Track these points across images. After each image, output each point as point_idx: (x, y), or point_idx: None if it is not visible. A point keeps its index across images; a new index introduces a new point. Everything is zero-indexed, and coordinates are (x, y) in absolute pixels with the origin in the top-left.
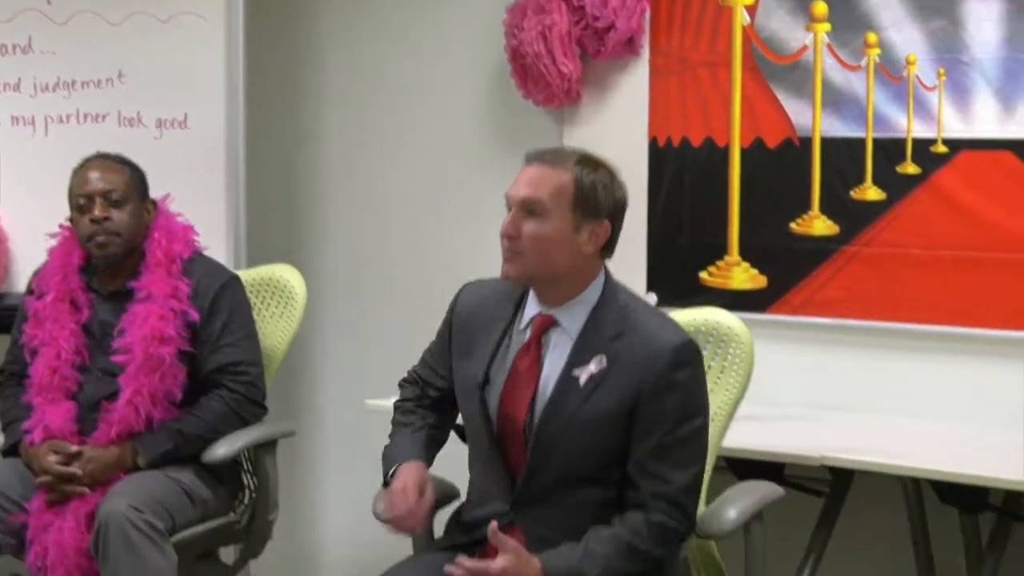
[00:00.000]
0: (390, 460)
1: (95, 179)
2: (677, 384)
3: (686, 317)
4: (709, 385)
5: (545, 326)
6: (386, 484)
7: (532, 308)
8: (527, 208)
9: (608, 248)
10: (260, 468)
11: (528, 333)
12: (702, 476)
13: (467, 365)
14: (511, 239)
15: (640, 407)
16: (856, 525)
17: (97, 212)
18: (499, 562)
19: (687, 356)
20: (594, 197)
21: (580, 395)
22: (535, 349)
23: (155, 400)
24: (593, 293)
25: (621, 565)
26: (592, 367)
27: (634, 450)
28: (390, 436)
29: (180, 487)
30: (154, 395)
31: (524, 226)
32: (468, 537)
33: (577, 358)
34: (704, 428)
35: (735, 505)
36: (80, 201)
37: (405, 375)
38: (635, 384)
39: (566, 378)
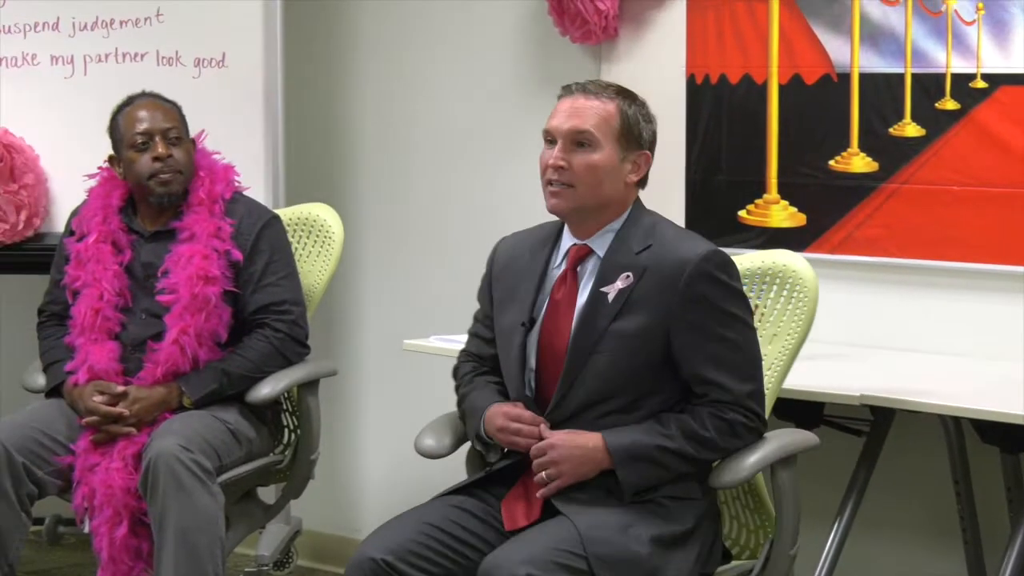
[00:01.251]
0: (474, 413)
1: (153, 117)
2: (706, 293)
3: (753, 259)
4: (771, 329)
5: (580, 255)
6: (479, 437)
7: (567, 243)
8: (576, 139)
9: (644, 179)
10: (303, 407)
11: (564, 266)
12: (763, 387)
13: (509, 310)
14: (560, 171)
15: (675, 320)
16: (896, 464)
17: (161, 150)
18: (555, 437)
19: (713, 264)
20: (637, 127)
21: (609, 311)
22: (571, 279)
23: (201, 340)
24: (621, 220)
25: (683, 445)
26: (619, 283)
27: (687, 364)
28: (459, 403)
29: (226, 427)
30: (200, 335)
31: (574, 158)
32: (493, 468)
33: (605, 276)
34: (751, 338)
35: (754, 453)
36: (138, 139)
37: (456, 363)
38: (665, 296)
39: (595, 296)
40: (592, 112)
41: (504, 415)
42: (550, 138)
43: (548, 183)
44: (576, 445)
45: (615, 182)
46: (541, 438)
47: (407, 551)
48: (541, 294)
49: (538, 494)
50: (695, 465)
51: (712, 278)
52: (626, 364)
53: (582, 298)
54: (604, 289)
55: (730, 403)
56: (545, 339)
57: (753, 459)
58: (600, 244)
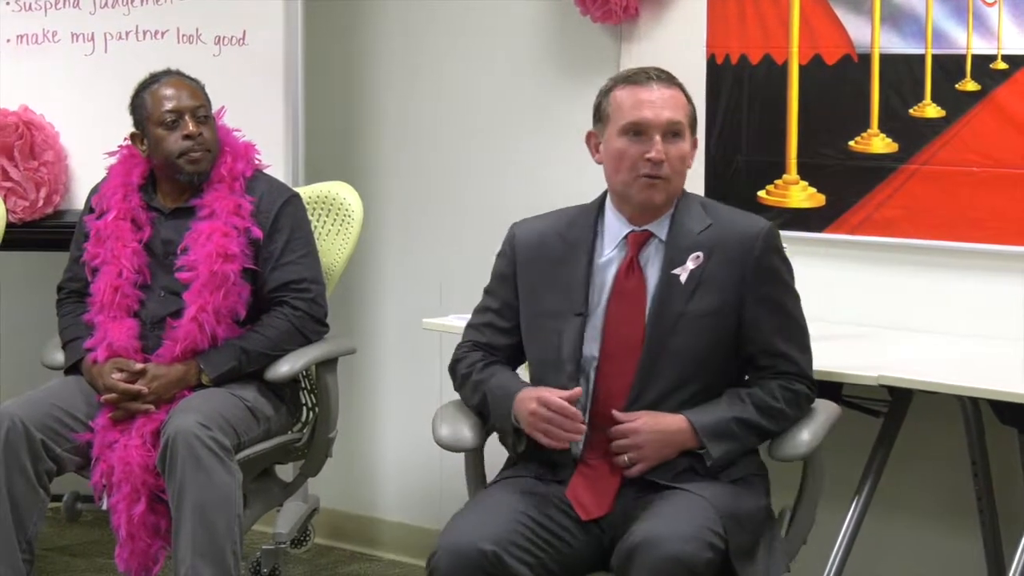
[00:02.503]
0: (502, 396)
1: (181, 95)
2: (775, 266)
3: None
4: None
5: (641, 242)
6: (508, 427)
7: (617, 228)
8: (671, 130)
9: None
10: (321, 386)
11: (621, 253)
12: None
13: (545, 299)
14: (659, 164)
15: (747, 295)
16: (914, 445)
17: (192, 128)
18: (638, 422)
19: (775, 238)
20: (695, 113)
21: (684, 293)
22: (637, 267)
23: (219, 318)
24: (674, 203)
25: (759, 418)
26: (690, 264)
27: (758, 336)
28: (473, 389)
29: (244, 404)
30: (219, 312)
31: (670, 149)
32: (555, 476)
33: (673, 260)
34: (801, 308)
35: (807, 427)
36: (168, 118)
37: (456, 354)
38: (736, 273)
39: (667, 280)
40: (675, 101)
41: (538, 400)
42: (639, 131)
43: (643, 176)
44: (658, 430)
45: (687, 169)
46: (583, 431)
47: (509, 542)
48: (594, 283)
49: (627, 472)
50: (766, 438)
51: (778, 251)
52: (702, 344)
53: (651, 283)
54: (675, 272)
55: (796, 374)
56: (611, 328)
57: (807, 436)
58: (659, 228)
